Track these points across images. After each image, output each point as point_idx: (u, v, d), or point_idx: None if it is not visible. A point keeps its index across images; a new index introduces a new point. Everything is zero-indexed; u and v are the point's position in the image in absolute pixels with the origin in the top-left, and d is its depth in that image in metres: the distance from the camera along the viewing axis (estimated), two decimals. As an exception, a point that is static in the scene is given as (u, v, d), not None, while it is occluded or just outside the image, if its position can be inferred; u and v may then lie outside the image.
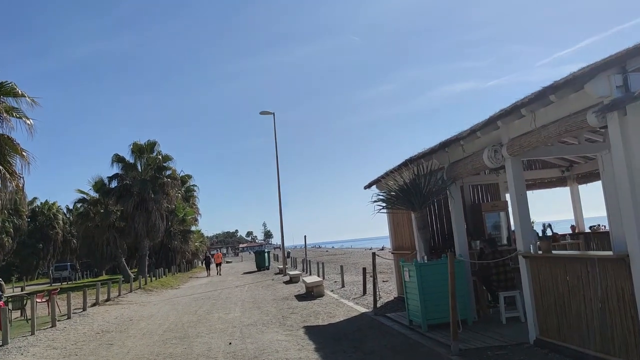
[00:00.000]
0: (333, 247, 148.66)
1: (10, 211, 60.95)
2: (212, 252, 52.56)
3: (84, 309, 16.33)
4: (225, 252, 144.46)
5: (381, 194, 9.89)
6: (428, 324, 8.47)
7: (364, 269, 15.27)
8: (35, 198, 68.80)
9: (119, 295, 20.79)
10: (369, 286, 15.90)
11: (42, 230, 66.01)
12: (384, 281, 18.65)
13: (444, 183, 9.04)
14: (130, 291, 22.42)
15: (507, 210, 12.94)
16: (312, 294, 15.70)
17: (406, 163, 9.37)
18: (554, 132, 5.81)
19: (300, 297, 15.67)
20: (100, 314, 15.88)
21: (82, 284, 32.81)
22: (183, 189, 46.70)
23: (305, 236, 65.93)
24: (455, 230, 9.10)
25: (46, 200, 67.96)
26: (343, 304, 13.19)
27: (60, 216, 68.86)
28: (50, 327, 12.97)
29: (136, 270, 34.43)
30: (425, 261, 8.77)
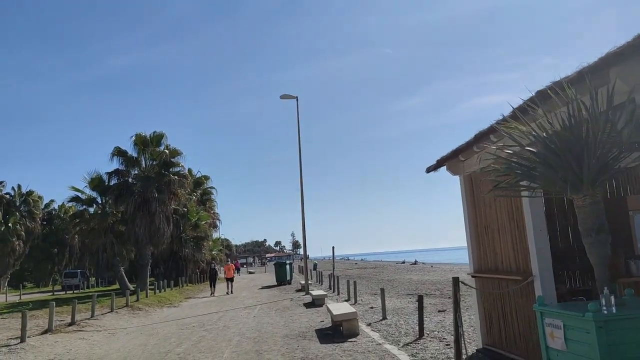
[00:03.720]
0: (362, 259, 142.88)
1: (24, 213, 57.93)
2: (221, 264, 41.23)
3: (22, 340, 11.69)
4: (251, 261, 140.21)
5: (494, 158, 4.90)
6: None
7: (420, 298, 10.17)
8: (52, 200, 65.65)
9: (92, 316, 16.20)
10: (427, 321, 10.85)
11: (58, 235, 62.62)
12: (439, 311, 13.55)
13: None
14: (111, 310, 17.80)
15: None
16: (340, 329, 10.72)
17: (549, 91, 4.36)
18: None
19: (323, 335, 10.69)
20: (40, 348, 11.23)
21: (85, 294, 28.55)
22: (199, 191, 42.32)
23: (333, 247, 60.94)
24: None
25: (63, 203, 64.55)
26: (392, 357, 8.13)
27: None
28: None
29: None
30: (613, 310, 3.71)
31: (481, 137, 6.50)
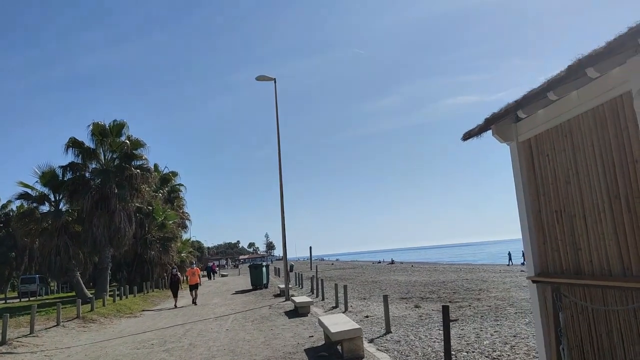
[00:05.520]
0: (337, 259, 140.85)
1: (-24, 215, 53.90)
2: (181, 268, 33.57)
3: None
4: (224, 263, 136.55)
5: None
6: None
7: (445, 309, 7.85)
8: (9, 201, 61.49)
9: (31, 332, 13.47)
10: (455, 340, 8.60)
11: (16, 238, 58.53)
12: (450, 320, 11.29)
13: None
14: (57, 324, 15.08)
15: None
16: (339, 350, 8.40)
17: None
18: None
19: (317, 358, 8.31)
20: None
21: (40, 302, 25.52)
22: (166, 189, 39.37)
23: (310, 248, 58.70)
24: None
25: (21, 204, 60.45)
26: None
27: (38, 222, 60.90)
28: None
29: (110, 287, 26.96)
30: None
31: (575, 71, 4.22)
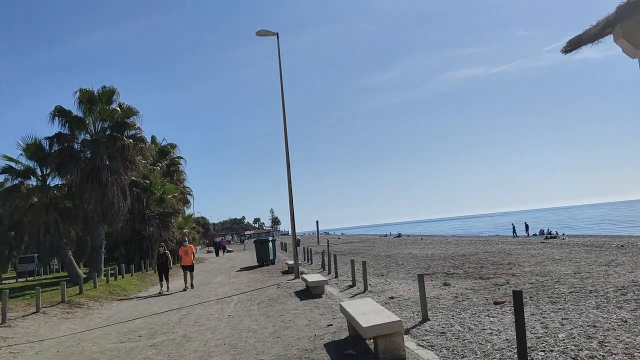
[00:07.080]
0: (342, 233, 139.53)
1: (-28, 193, 52.36)
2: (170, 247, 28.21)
3: None
4: (230, 239, 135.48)
5: None
6: None
7: (518, 296, 5.85)
8: (6, 179, 59.90)
9: (3, 322, 11.68)
10: (492, 323, 6.72)
11: (15, 216, 57.02)
12: (495, 303, 9.40)
13: None
14: (37, 310, 13.29)
15: None
16: (370, 348, 6.52)
17: None
18: None
19: (343, 358, 6.43)
20: None
21: (37, 282, 24.04)
22: (165, 162, 37.42)
23: (317, 222, 57.17)
24: None
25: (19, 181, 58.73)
26: None
27: (37, 200, 59.34)
28: None
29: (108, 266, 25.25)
30: None
31: None
